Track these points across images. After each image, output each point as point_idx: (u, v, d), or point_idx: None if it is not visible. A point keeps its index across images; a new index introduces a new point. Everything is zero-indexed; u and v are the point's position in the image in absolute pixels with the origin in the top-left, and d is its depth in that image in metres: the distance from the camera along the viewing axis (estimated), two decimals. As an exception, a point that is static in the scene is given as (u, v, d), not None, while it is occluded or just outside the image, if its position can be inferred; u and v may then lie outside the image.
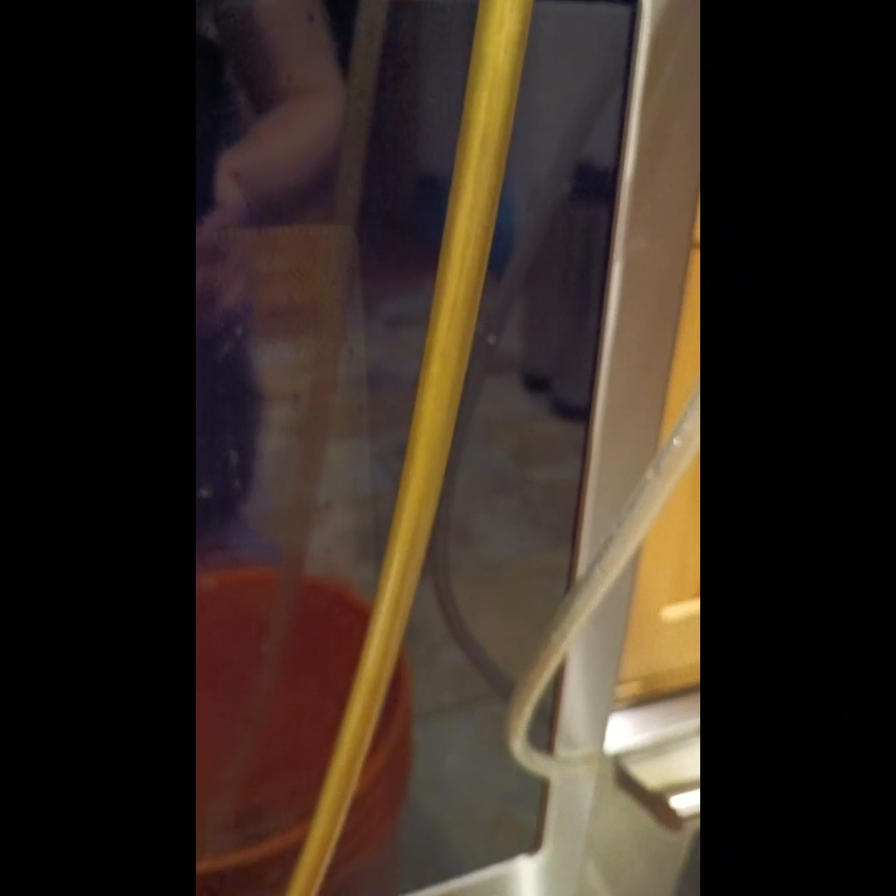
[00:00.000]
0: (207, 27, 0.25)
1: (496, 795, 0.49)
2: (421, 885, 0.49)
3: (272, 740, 0.41)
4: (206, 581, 0.36)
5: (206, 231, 0.28)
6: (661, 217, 0.33)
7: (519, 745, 0.41)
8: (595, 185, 0.32)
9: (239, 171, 0.27)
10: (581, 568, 0.38)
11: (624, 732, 0.52)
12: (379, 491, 0.35)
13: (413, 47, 0.27)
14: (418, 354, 0.23)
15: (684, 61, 0.30)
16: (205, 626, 0.37)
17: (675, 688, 0.54)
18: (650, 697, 0.53)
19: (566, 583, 0.41)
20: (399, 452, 0.25)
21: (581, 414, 0.37)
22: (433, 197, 0.30)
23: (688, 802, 0.51)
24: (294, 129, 0.27)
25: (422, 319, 0.23)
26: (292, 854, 0.35)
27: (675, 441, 0.27)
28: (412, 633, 0.41)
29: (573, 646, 0.44)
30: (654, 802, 0.53)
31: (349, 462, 0.34)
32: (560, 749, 0.48)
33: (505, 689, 0.41)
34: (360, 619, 0.29)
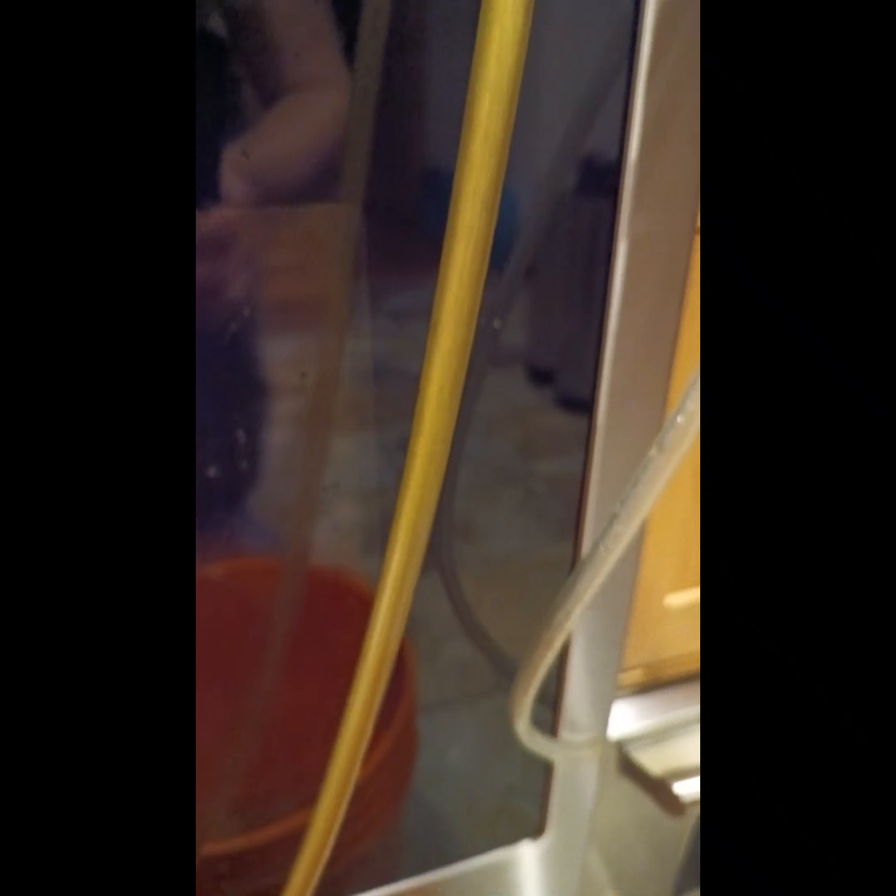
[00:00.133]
0: (212, 19, 0.25)
1: (499, 787, 0.50)
2: (424, 869, 0.49)
3: (277, 727, 0.42)
4: (213, 570, 0.36)
5: (211, 220, 0.28)
6: (665, 201, 0.32)
7: (523, 727, 0.41)
8: (600, 176, 0.32)
9: (245, 164, 0.27)
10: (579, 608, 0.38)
11: (627, 719, 0.53)
12: (385, 484, 0.35)
13: (419, 29, 0.27)
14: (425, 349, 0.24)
15: (689, 43, 0.29)
16: (211, 614, 0.37)
17: (679, 675, 0.54)
18: (653, 685, 0.54)
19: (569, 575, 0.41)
20: (404, 446, 0.25)
21: (585, 406, 0.37)
22: (439, 187, 0.30)
23: (690, 788, 0.52)
24: (299, 121, 0.27)
25: (428, 313, 0.23)
26: (296, 839, 0.35)
27: (679, 418, 0.27)
28: (416, 626, 0.41)
29: (577, 632, 0.44)
30: (657, 788, 0.53)
31: (355, 455, 0.35)
32: (564, 734, 0.48)
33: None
34: (364, 607, 0.29)
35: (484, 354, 0.34)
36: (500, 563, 0.41)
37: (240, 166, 0.27)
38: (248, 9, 0.25)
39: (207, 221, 0.28)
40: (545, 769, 0.49)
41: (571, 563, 0.40)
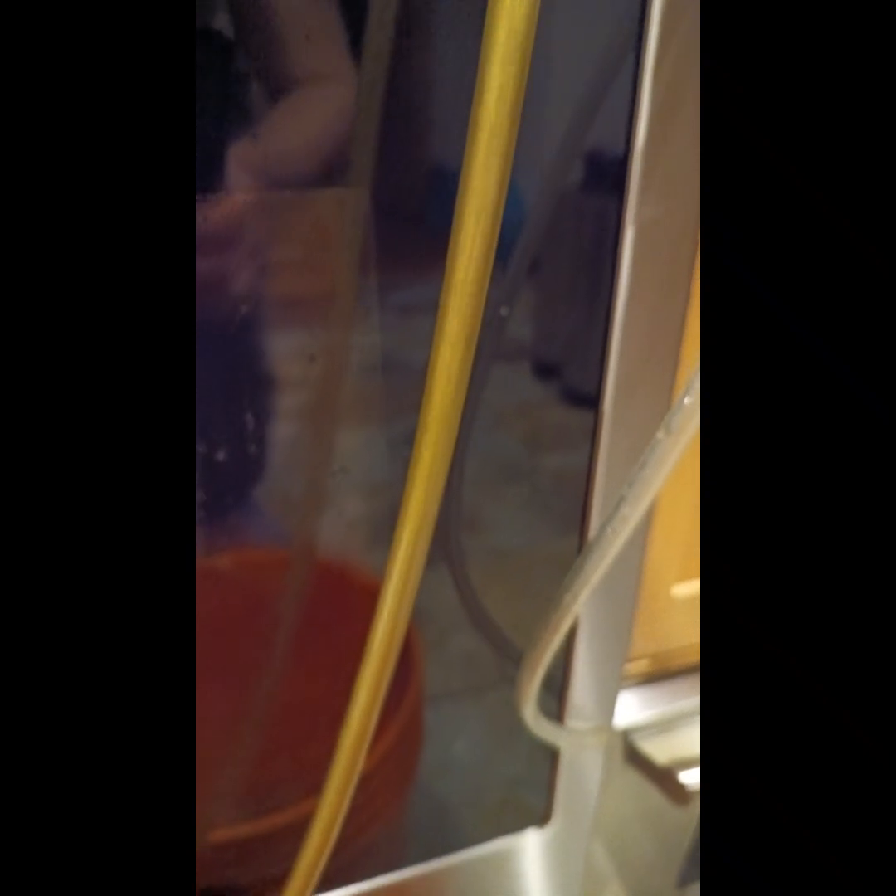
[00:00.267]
0: (219, 14, 0.25)
1: (505, 778, 0.50)
2: (429, 857, 0.50)
3: (284, 716, 0.42)
4: (220, 561, 0.36)
5: (218, 208, 0.28)
6: (672, 184, 0.32)
7: (529, 713, 0.41)
8: (606, 169, 0.32)
9: (252, 160, 0.27)
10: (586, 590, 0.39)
11: (633, 709, 0.53)
12: (392, 477, 0.36)
13: (427, 13, 0.27)
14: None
15: (697, 29, 0.29)
16: (218, 604, 0.38)
17: (684, 665, 0.54)
18: (659, 675, 0.54)
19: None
20: (412, 439, 0.26)
21: (590, 401, 0.37)
22: (445, 182, 0.30)
23: (696, 778, 0.52)
24: (306, 116, 0.28)
25: (436, 308, 0.24)
26: (302, 826, 0.36)
27: (686, 400, 0.27)
28: (423, 618, 0.41)
29: (583, 621, 0.44)
30: (663, 778, 0.54)
31: (363, 448, 0.35)
32: (570, 723, 0.48)
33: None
34: (371, 599, 0.29)
35: (491, 342, 0.34)
36: (505, 557, 0.41)
37: (247, 161, 0.27)
38: (254, 2, 0.25)
39: (213, 210, 0.28)
40: (551, 759, 0.50)
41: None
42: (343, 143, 0.28)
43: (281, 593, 0.38)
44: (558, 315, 0.35)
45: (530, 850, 0.53)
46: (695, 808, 0.53)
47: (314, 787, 0.34)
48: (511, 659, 0.44)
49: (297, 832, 0.36)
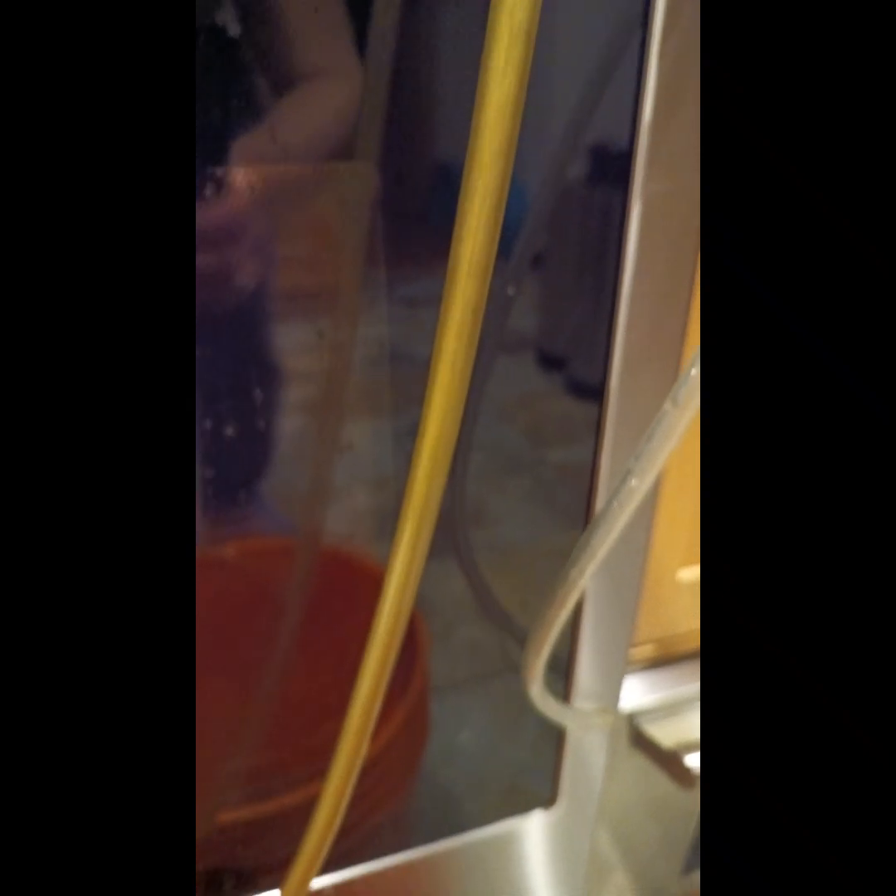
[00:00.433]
0: (225, 7, 0.25)
1: (510, 767, 0.51)
2: (434, 839, 0.51)
3: (292, 702, 0.43)
4: (227, 549, 0.37)
5: (220, 212, 0.28)
6: (679, 160, 0.32)
7: (536, 691, 0.41)
8: (611, 162, 0.32)
9: (256, 153, 0.27)
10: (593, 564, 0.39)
11: (639, 693, 0.54)
12: (399, 470, 0.36)
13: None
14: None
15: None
16: (225, 591, 0.38)
17: (690, 650, 0.55)
18: (665, 659, 0.54)
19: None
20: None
21: (595, 392, 0.37)
22: (456, 172, 0.30)
23: (701, 761, 0.53)
24: (311, 111, 0.28)
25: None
26: (309, 810, 0.36)
27: (693, 371, 0.26)
28: (428, 610, 0.42)
29: (588, 604, 0.44)
30: (669, 761, 0.54)
31: (370, 441, 0.35)
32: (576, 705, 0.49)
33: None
34: (376, 586, 0.30)
35: (497, 326, 0.34)
36: (509, 550, 0.41)
37: (253, 154, 0.27)
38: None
39: (219, 191, 0.28)
40: (556, 747, 0.50)
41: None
42: (349, 136, 0.28)
43: (287, 581, 0.39)
44: (563, 306, 0.35)
45: (535, 833, 0.53)
46: (699, 793, 0.53)
47: (320, 772, 0.35)
48: (519, 642, 0.45)
49: (304, 815, 0.37)
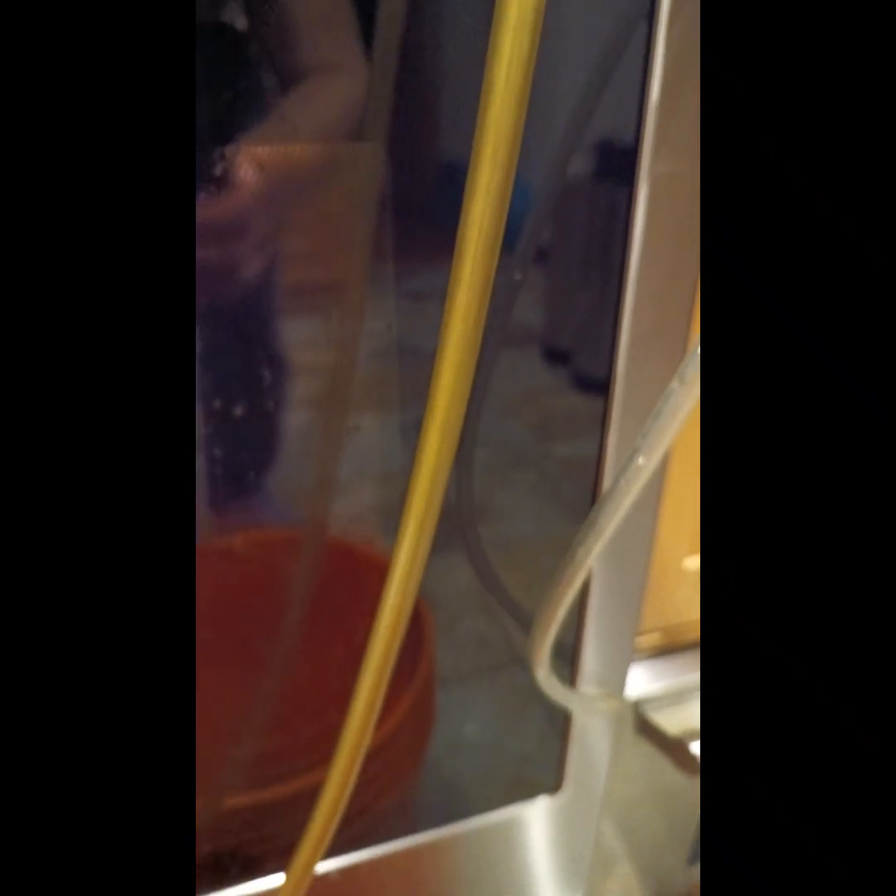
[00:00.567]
0: (229, 3, 0.25)
1: (515, 756, 0.51)
2: (438, 824, 0.51)
3: (297, 689, 0.44)
4: (233, 541, 0.37)
5: (226, 201, 0.28)
6: (687, 140, 0.32)
7: (543, 674, 0.41)
8: (616, 158, 0.32)
9: (261, 150, 0.28)
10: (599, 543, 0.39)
11: (644, 681, 0.54)
12: (407, 464, 0.36)
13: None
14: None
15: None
16: (233, 581, 0.39)
17: (696, 639, 0.55)
18: (671, 648, 0.55)
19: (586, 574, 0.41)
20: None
21: (600, 387, 0.37)
22: (456, 178, 0.30)
23: (706, 748, 0.53)
24: (317, 106, 0.28)
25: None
26: (314, 795, 0.37)
27: (700, 350, 0.27)
28: (433, 603, 0.42)
29: (594, 592, 0.44)
30: (674, 748, 0.54)
31: (378, 435, 0.35)
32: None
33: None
34: (381, 576, 0.30)
35: (503, 314, 0.34)
36: (514, 545, 0.42)
37: (257, 152, 0.28)
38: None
39: (221, 196, 0.28)
40: (561, 737, 0.51)
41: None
42: (355, 131, 0.28)
43: (293, 571, 0.39)
44: (568, 301, 0.35)
45: (540, 820, 0.54)
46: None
47: (325, 758, 0.35)
48: (527, 630, 0.45)
49: (309, 801, 0.37)
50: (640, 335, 0.35)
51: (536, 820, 0.54)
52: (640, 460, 0.30)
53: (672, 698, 0.55)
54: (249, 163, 0.28)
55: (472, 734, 0.49)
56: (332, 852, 0.42)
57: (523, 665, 0.40)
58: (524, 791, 0.52)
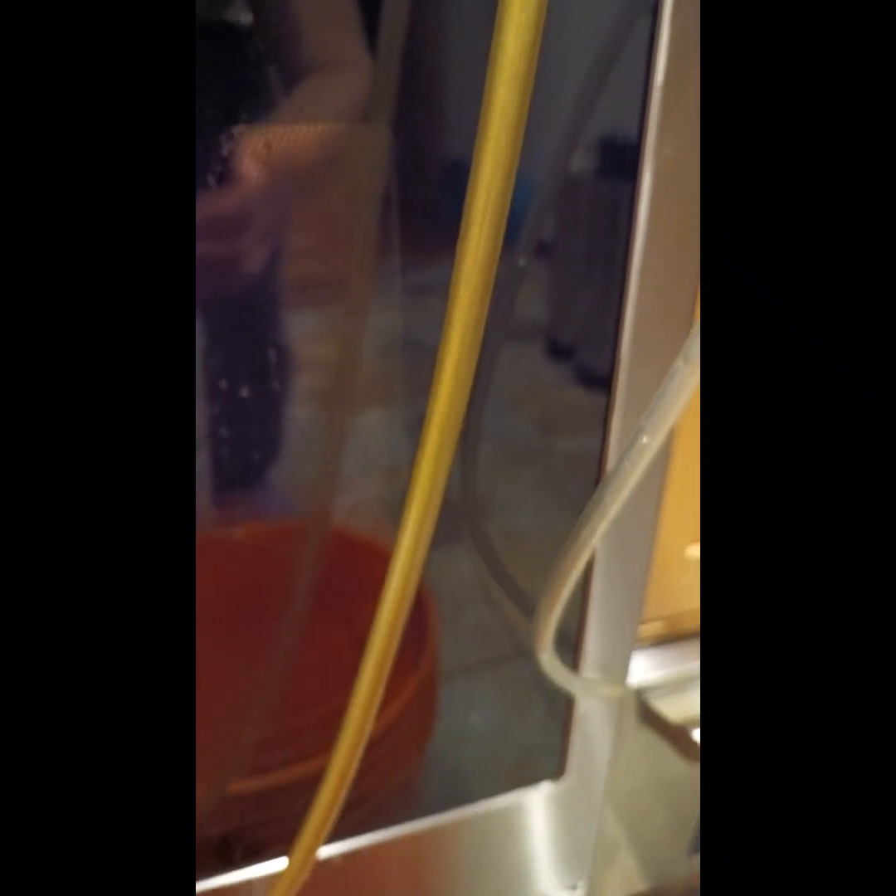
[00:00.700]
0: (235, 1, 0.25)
1: (517, 750, 0.52)
2: (440, 811, 0.52)
3: (301, 676, 0.44)
4: (239, 531, 0.38)
5: (230, 196, 0.28)
6: (692, 123, 0.32)
7: (547, 657, 0.41)
8: (619, 155, 0.32)
9: (266, 147, 0.28)
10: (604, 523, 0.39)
11: (647, 669, 0.54)
12: (411, 457, 0.36)
13: None
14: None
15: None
16: (237, 571, 0.39)
17: (698, 628, 0.55)
18: (673, 637, 0.55)
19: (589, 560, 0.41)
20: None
21: (604, 382, 0.37)
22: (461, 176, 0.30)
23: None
24: (321, 103, 0.28)
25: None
26: (317, 780, 0.37)
27: None
28: (438, 596, 0.42)
29: (597, 580, 0.45)
30: (676, 735, 0.55)
31: (384, 429, 0.35)
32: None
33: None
34: (383, 565, 0.30)
35: (507, 304, 0.34)
36: (518, 539, 0.42)
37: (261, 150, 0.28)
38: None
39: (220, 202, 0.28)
40: (564, 728, 0.51)
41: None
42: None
43: (297, 561, 0.39)
44: (571, 296, 0.35)
45: (543, 806, 0.54)
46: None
47: (328, 744, 0.35)
48: (531, 615, 0.45)
49: (312, 787, 0.38)
50: (643, 330, 0.35)
51: (538, 807, 0.54)
52: (645, 439, 0.30)
53: (674, 686, 0.55)
54: (255, 150, 0.28)
55: (476, 725, 0.49)
56: (334, 837, 0.43)
57: (526, 657, 0.40)
58: (526, 780, 0.53)
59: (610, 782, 0.54)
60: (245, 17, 0.25)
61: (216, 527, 0.36)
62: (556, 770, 0.53)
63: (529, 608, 0.44)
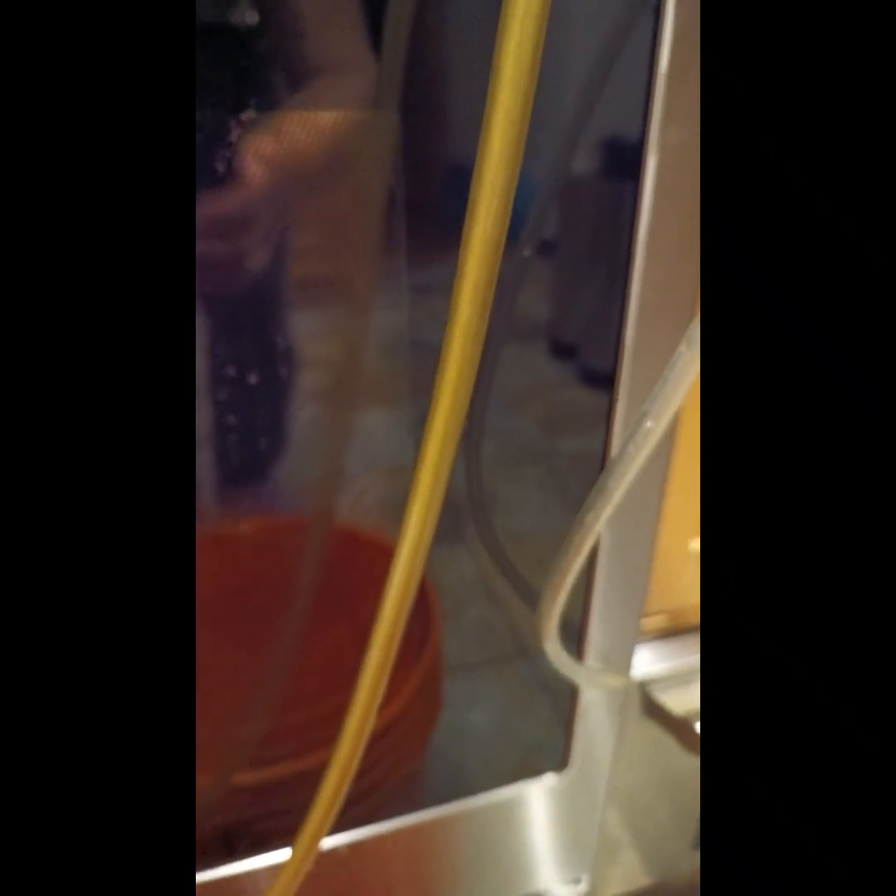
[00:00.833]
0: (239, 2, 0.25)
1: (520, 747, 0.52)
2: (444, 800, 0.52)
3: (304, 669, 0.44)
4: (243, 526, 0.38)
5: (234, 194, 0.28)
6: (694, 122, 0.32)
7: (551, 645, 0.41)
8: (623, 154, 0.32)
9: (268, 148, 0.28)
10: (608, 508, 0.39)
11: (650, 662, 0.54)
12: (415, 457, 0.36)
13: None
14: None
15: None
16: (241, 566, 0.39)
17: (701, 622, 0.55)
18: (676, 630, 0.55)
19: (592, 552, 0.41)
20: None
21: (607, 381, 0.36)
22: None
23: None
24: (323, 104, 0.28)
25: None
26: (320, 773, 0.37)
27: None
28: (442, 594, 0.43)
29: (601, 573, 0.45)
30: (680, 728, 0.55)
31: (389, 428, 0.35)
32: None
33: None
34: (386, 559, 0.31)
35: (510, 298, 0.34)
36: (521, 539, 0.42)
37: (264, 151, 0.28)
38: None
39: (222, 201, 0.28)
40: (566, 725, 0.51)
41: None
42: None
43: (301, 556, 0.40)
44: (574, 295, 0.35)
45: (546, 798, 0.54)
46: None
47: (332, 737, 0.36)
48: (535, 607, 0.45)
49: (315, 779, 0.38)
50: (646, 329, 0.35)
51: (541, 800, 0.54)
52: (649, 424, 0.30)
53: (678, 679, 0.55)
54: (259, 146, 0.28)
55: (479, 721, 0.49)
56: (338, 828, 0.43)
57: (528, 655, 0.40)
58: (529, 773, 0.53)
59: (613, 776, 0.54)
60: (251, 17, 0.25)
61: (220, 523, 0.36)
62: (558, 763, 0.53)
63: (535, 603, 0.44)
